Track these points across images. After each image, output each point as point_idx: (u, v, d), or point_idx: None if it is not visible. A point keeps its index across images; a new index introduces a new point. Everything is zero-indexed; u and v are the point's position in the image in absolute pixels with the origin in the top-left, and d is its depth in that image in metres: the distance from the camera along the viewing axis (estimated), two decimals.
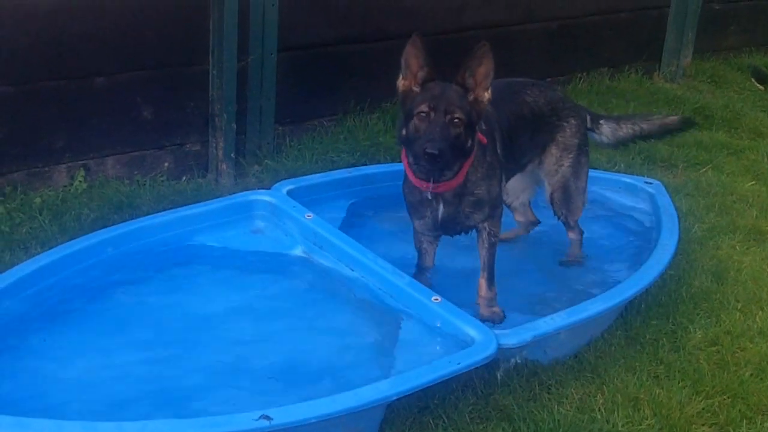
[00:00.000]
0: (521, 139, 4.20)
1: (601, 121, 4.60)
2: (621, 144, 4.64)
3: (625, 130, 4.64)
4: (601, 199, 4.99)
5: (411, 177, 3.77)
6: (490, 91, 3.66)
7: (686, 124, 4.90)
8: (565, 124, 4.37)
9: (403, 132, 3.67)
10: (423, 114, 3.59)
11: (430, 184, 3.71)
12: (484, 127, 3.85)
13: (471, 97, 3.64)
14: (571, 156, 4.38)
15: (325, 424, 3.10)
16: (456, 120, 3.58)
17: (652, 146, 6.13)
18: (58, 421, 2.95)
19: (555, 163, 4.36)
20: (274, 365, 3.64)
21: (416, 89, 3.66)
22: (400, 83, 3.70)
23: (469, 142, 3.66)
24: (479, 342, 3.53)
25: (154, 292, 4.04)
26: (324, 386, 3.49)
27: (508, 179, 4.22)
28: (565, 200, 4.40)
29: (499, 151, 3.97)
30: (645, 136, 4.71)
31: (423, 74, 3.66)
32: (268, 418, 2.96)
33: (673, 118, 4.86)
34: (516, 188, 4.51)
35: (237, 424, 2.98)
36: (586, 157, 4.48)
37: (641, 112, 4.82)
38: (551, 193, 4.40)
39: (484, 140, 3.80)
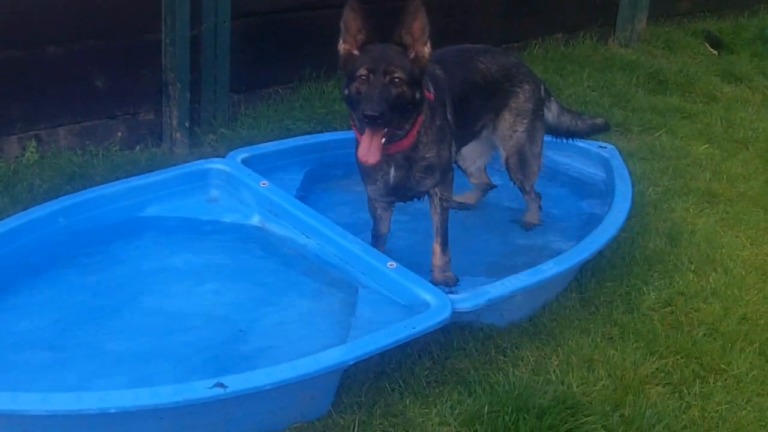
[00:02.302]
0: (473, 105, 4.21)
1: (552, 98, 4.64)
2: (557, 128, 4.65)
3: (567, 118, 4.69)
4: (556, 164, 5.01)
5: (359, 138, 3.75)
6: (429, 44, 3.65)
7: (608, 127, 4.97)
8: (518, 89, 4.38)
9: (346, 93, 3.67)
10: (363, 77, 3.59)
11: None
12: (432, 90, 3.85)
13: (411, 55, 3.63)
14: (525, 121, 4.39)
15: (282, 390, 3.10)
16: (396, 79, 3.58)
17: (607, 111, 6.21)
18: (12, 393, 2.92)
19: (509, 128, 4.37)
20: (227, 332, 3.64)
21: (356, 52, 3.66)
22: (341, 47, 3.69)
23: (416, 98, 3.67)
24: (434, 306, 3.54)
25: (105, 262, 4.00)
26: (279, 353, 3.49)
27: (461, 146, 4.23)
28: (521, 165, 4.42)
29: (449, 117, 3.97)
30: (574, 133, 4.75)
31: (362, 37, 3.65)
32: (222, 385, 2.95)
33: (601, 120, 4.94)
34: (472, 153, 4.52)
35: (192, 392, 2.97)
36: (541, 122, 4.49)
37: (576, 112, 4.89)
38: (506, 159, 4.42)
39: (431, 96, 3.80)
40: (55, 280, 3.86)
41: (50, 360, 3.43)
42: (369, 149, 3.60)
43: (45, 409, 2.85)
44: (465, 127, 4.17)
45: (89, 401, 2.90)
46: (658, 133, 6.05)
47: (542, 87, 4.54)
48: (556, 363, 3.70)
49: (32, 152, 4.79)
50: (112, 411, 2.86)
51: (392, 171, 3.85)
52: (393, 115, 3.58)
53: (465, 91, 4.13)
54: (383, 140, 3.61)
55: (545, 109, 4.54)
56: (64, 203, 4.08)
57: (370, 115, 3.51)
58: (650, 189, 5.18)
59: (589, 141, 4.98)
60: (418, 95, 3.66)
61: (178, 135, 5.18)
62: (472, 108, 4.20)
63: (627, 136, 5.98)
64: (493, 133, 4.40)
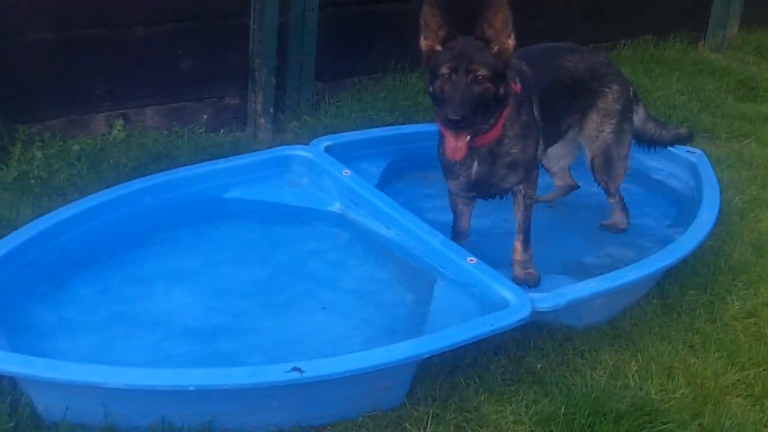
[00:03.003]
0: (560, 104, 4.14)
1: (640, 103, 4.54)
2: (641, 135, 4.55)
3: (652, 125, 4.60)
4: (643, 167, 4.91)
5: (444, 133, 3.71)
6: (513, 37, 3.59)
7: (692, 137, 4.85)
8: (606, 90, 4.30)
9: (430, 90, 3.64)
10: (445, 75, 3.55)
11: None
12: (520, 85, 3.80)
13: (494, 48, 3.58)
14: (612, 122, 4.31)
15: (357, 378, 3.10)
16: (480, 77, 3.53)
17: (695, 116, 6.08)
18: (91, 365, 2.97)
19: (595, 129, 4.30)
20: (307, 320, 3.65)
21: (438, 48, 3.61)
22: (422, 43, 3.65)
23: (501, 92, 3.61)
24: (513, 304, 3.50)
25: (189, 242, 4.06)
26: (356, 342, 3.49)
27: (547, 146, 4.16)
28: (606, 167, 4.34)
29: (536, 113, 3.92)
30: (657, 142, 4.65)
31: (443, 33, 3.60)
32: (299, 370, 2.96)
33: (685, 130, 4.83)
34: (557, 153, 4.46)
35: (269, 374, 3.00)
36: (629, 124, 4.40)
37: (661, 121, 4.79)
38: (592, 159, 4.35)
39: (517, 88, 3.75)
40: (138, 257, 3.91)
41: (127, 333, 3.49)
42: (456, 145, 3.57)
43: (123, 383, 2.89)
44: (551, 127, 4.10)
45: (167, 377, 2.94)
46: (747, 140, 5.89)
47: (631, 88, 4.45)
48: (634, 368, 3.63)
49: (119, 130, 4.87)
50: (191, 388, 2.89)
51: (475, 165, 3.81)
52: (476, 114, 3.54)
53: (552, 89, 4.07)
54: (468, 138, 3.58)
55: (633, 113, 4.46)
56: (149, 182, 4.14)
57: (452, 119, 3.48)
58: (737, 197, 5.05)
59: (678, 146, 4.86)
60: (502, 90, 3.62)
61: (262, 120, 5.22)
62: (558, 107, 4.14)
63: (715, 142, 5.84)
64: (579, 134, 4.33)
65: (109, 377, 2.90)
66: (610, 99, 4.31)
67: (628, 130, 4.40)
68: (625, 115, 4.36)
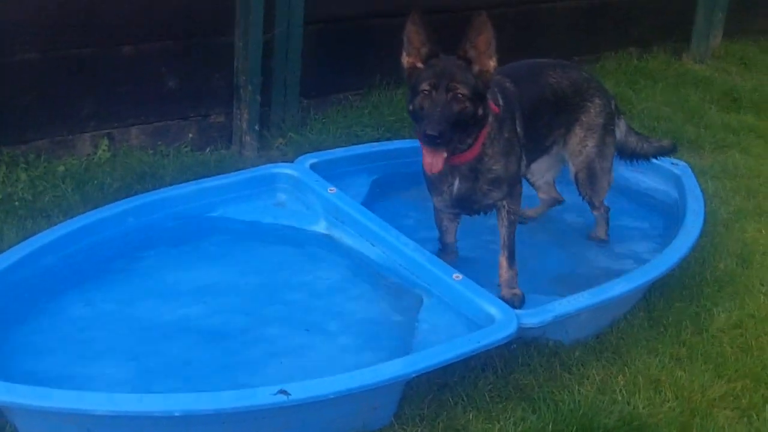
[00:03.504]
0: (544, 119, 4.16)
1: (621, 117, 4.56)
2: (622, 149, 4.56)
3: (634, 139, 4.61)
4: (627, 179, 4.93)
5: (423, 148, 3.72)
6: (495, 58, 3.60)
7: (675, 149, 4.85)
8: (589, 104, 4.32)
9: (411, 108, 3.65)
10: (425, 92, 3.57)
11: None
12: (501, 102, 3.81)
13: (476, 69, 3.59)
14: (595, 136, 4.33)
15: (344, 400, 3.10)
16: (459, 95, 3.54)
17: (679, 127, 6.10)
18: (78, 391, 2.97)
19: (579, 143, 4.31)
20: (292, 338, 3.65)
21: (420, 65, 3.63)
22: (405, 60, 3.67)
23: (479, 113, 3.62)
24: (500, 321, 3.51)
25: (174, 263, 4.04)
26: (342, 363, 3.48)
27: (531, 162, 4.18)
28: (590, 180, 4.36)
29: (519, 130, 3.93)
30: (639, 156, 4.66)
31: (426, 50, 3.62)
32: (286, 393, 2.95)
33: (667, 142, 4.84)
34: (541, 167, 4.47)
35: (255, 398, 2.98)
36: (612, 137, 4.42)
37: (643, 134, 4.81)
38: (576, 174, 4.36)
39: (496, 110, 3.77)
40: (122, 279, 3.89)
41: (110, 354, 3.48)
42: (432, 159, 3.58)
43: (110, 410, 2.88)
44: (535, 143, 4.12)
45: (153, 403, 2.93)
46: (732, 151, 5.91)
47: (613, 102, 4.47)
48: (622, 382, 3.64)
49: (104, 150, 4.86)
50: (176, 414, 2.88)
51: (457, 182, 3.82)
52: (454, 132, 3.56)
53: (535, 106, 4.09)
54: (445, 154, 3.59)
55: (615, 126, 4.47)
56: (134, 203, 4.13)
57: (430, 135, 3.50)
58: (722, 208, 5.07)
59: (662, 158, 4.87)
60: (481, 111, 3.63)
61: (248, 138, 5.22)
62: (542, 123, 4.15)
63: (699, 153, 5.86)
64: (563, 148, 4.35)
65: (95, 404, 2.89)
66: (593, 113, 4.33)
67: (611, 143, 4.42)
68: (608, 128, 4.38)
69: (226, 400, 2.97)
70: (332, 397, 3.04)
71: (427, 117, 3.52)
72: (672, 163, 4.93)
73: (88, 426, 2.93)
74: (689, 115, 6.37)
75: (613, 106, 4.44)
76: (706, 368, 3.78)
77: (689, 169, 4.92)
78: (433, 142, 3.51)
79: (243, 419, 3.02)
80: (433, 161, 3.57)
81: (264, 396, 2.95)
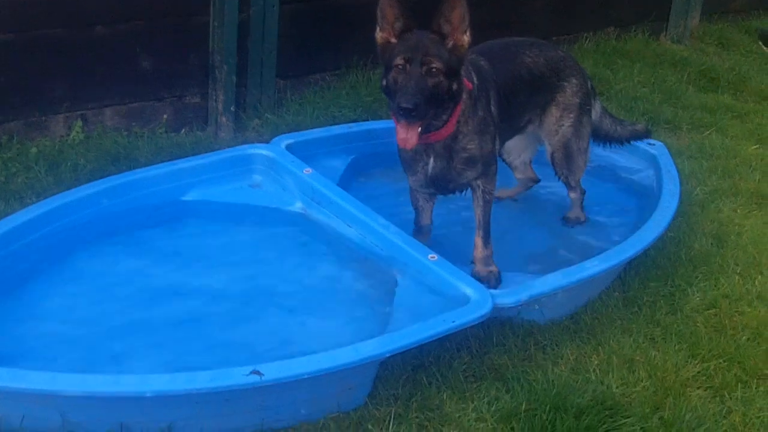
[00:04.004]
0: (519, 99, 4.15)
1: (597, 98, 4.56)
2: (596, 131, 4.55)
3: (608, 121, 4.62)
4: (602, 159, 4.93)
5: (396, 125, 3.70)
6: (469, 33, 3.58)
7: (649, 133, 4.87)
8: (565, 83, 4.32)
9: (384, 83, 3.63)
10: (399, 66, 3.55)
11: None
12: (475, 80, 3.80)
13: (450, 44, 3.58)
14: (572, 116, 4.33)
15: (318, 380, 3.09)
16: (433, 69, 3.53)
17: (657, 107, 6.12)
18: (51, 373, 2.94)
19: (555, 123, 4.31)
20: (267, 318, 3.64)
21: (393, 41, 3.61)
22: (378, 35, 3.65)
23: (454, 88, 3.61)
24: (474, 300, 3.51)
25: (149, 245, 4.02)
26: (317, 343, 3.46)
27: (505, 140, 4.18)
28: (566, 160, 4.36)
29: (493, 109, 3.92)
30: (613, 139, 4.67)
31: (399, 25, 3.60)
32: (259, 373, 2.95)
33: (642, 126, 4.85)
34: (517, 147, 4.47)
35: (228, 378, 2.97)
36: (588, 117, 4.42)
37: (617, 117, 4.82)
38: (552, 153, 4.36)
39: (470, 85, 3.76)
40: (95, 261, 3.87)
41: (84, 339, 3.46)
42: (406, 134, 3.56)
43: (83, 391, 2.86)
44: (510, 122, 4.11)
45: (127, 384, 2.92)
46: (708, 131, 5.93)
47: (590, 82, 4.47)
48: (596, 362, 3.65)
49: (78, 132, 4.82)
50: (149, 395, 2.87)
51: (432, 161, 3.81)
52: (429, 106, 3.54)
53: (510, 84, 4.08)
54: (419, 129, 3.57)
55: (591, 106, 4.47)
56: (107, 184, 4.10)
57: (404, 108, 3.48)
58: (698, 188, 5.09)
59: None
60: (455, 86, 3.62)
61: (224, 119, 5.18)
62: (517, 102, 4.14)
63: (676, 133, 5.88)
64: (538, 128, 4.34)
65: (67, 384, 2.87)
66: (569, 93, 4.32)
67: (587, 123, 4.42)
68: (584, 108, 4.38)
69: (200, 380, 2.95)
70: (306, 377, 3.03)
71: (401, 90, 3.50)
72: (648, 143, 4.93)
73: (63, 409, 2.92)
74: (667, 96, 6.39)
75: (589, 86, 4.44)
76: (680, 348, 3.80)
77: (666, 149, 4.93)
78: (407, 115, 3.49)
79: (217, 400, 3.01)
80: (408, 136, 3.55)
81: (237, 376, 2.95)
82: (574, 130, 4.33)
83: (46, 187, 4.32)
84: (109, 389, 2.88)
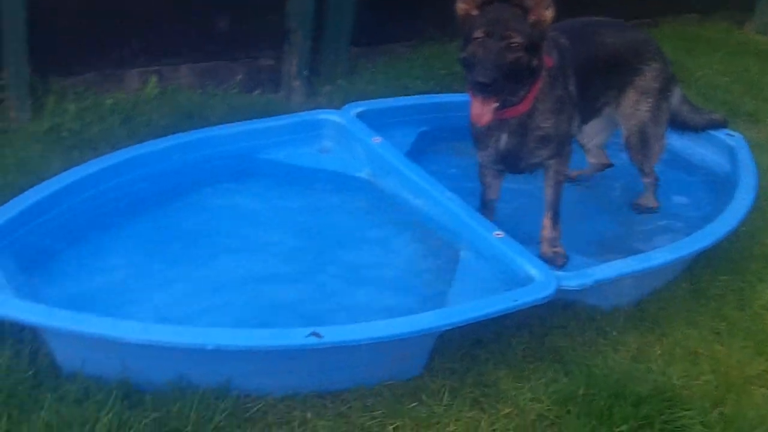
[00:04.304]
0: (597, 79, 4.07)
1: (677, 84, 4.46)
2: (673, 118, 4.45)
3: (686, 108, 4.52)
4: (679, 148, 4.82)
5: (472, 99, 3.65)
6: (552, 9, 3.50)
7: (725, 123, 4.78)
8: (645, 67, 4.22)
9: (463, 55, 3.57)
10: (479, 39, 3.48)
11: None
12: (555, 59, 3.73)
13: (531, 19, 3.50)
14: (650, 100, 4.24)
15: (375, 347, 3.09)
16: (513, 44, 3.46)
17: (737, 98, 5.97)
18: (115, 319, 2.98)
19: (632, 106, 4.22)
20: (328, 285, 3.64)
21: (474, 13, 3.54)
22: (459, 6, 3.58)
23: (533, 64, 3.54)
24: (538, 281, 3.46)
25: (216, 201, 4.05)
26: (377, 310, 3.46)
27: (583, 122, 4.09)
28: (642, 145, 4.27)
29: (571, 88, 3.84)
30: (689, 126, 4.58)
31: None
32: (318, 335, 2.94)
33: (718, 116, 4.75)
34: (591, 129, 4.38)
35: (288, 338, 2.99)
36: (667, 103, 4.33)
37: (696, 105, 4.69)
38: (627, 137, 4.28)
39: (550, 62, 3.69)
40: (162, 215, 3.92)
41: (148, 291, 3.50)
42: (481, 109, 3.50)
43: (147, 339, 2.89)
44: (587, 103, 4.03)
45: (189, 335, 2.94)
46: None
47: (671, 68, 4.36)
48: (658, 352, 3.58)
49: (153, 87, 4.86)
50: (209, 348, 2.89)
51: (504, 137, 3.75)
52: (506, 82, 3.48)
53: (589, 64, 3.99)
54: (495, 104, 3.51)
55: (671, 93, 4.37)
56: (180, 140, 4.13)
57: (481, 82, 3.42)
58: None
59: None
60: (535, 62, 3.55)
61: (296, 83, 5.19)
62: (595, 83, 4.06)
63: (757, 126, 5.71)
64: (615, 111, 4.25)
65: (127, 332, 2.90)
66: (649, 77, 4.23)
67: (666, 109, 4.32)
68: (663, 93, 4.28)
69: (260, 337, 2.98)
70: (364, 343, 3.03)
71: (480, 64, 3.44)
72: (727, 134, 4.80)
73: (124, 355, 2.95)
74: (748, 87, 6.22)
75: (670, 72, 4.34)
76: (746, 345, 3.71)
77: (744, 141, 4.79)
78: (484, 89, 3.44)
79: (274, 358, 3.03)
80: (482, 112, 3.50)
81: (296, 337, 2.95)
82: (652, 115, 4.24)
83: (120, 139, 4.36)
84: (172, 339, 2.90)
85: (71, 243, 3.62)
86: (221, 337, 2.94)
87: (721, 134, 4.78)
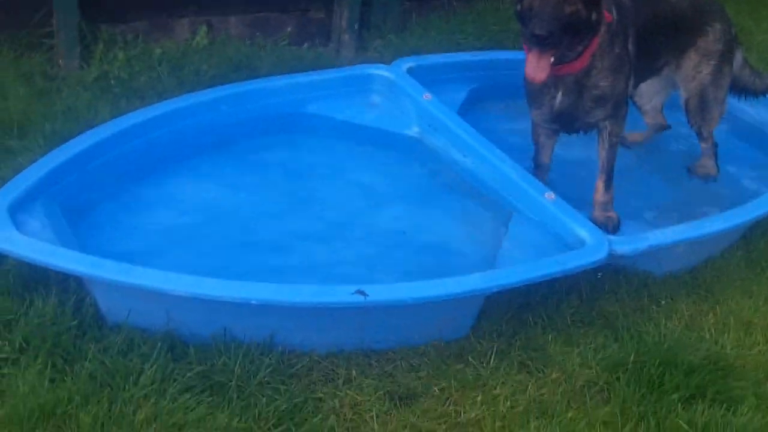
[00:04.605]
0: (658, 39, 3.94)
1: (739, 47, 4.31)
2: (735, 81, 4.30)
3: (747, 72, 4.37)
4: (740, 112, 4.66)
5: (527, 55, 3.54)
6: None
7: None
8: (708, 28, 4.09)
9: (519, 8, 3.46)
10: None
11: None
12: (615, 15, 3.61)
13: None
14: (712, 63, 4.11)
15: (422, 307, 3.04)
16: None
17: None
18: (161, 271, 2.95)
19: (693, 68, 4.10)
20: (375, 241, 3.60)
21: None
22: None
23: (593, 18, 3.43)
24: (590, 245, 3.39)
25: (262, 155, 4.02)
26: (423, 270, 3.41)
27: (639, 82, 3.98)
28: (701, 109, 4.14)
29: (630, 47, 3.73)
30: (749, 91, 4.41)
31: None
32: (363, 293, 2.90)
33: None
34: (650, 90, 4.27)
35: (333, 295, 2.96)
36: (729, 66, 4.19)
37: (757, 69, 4.51)
38: (686, 100, 4.15)
39: (609, 18, 3.57)
40: (208, 166, 3.89)
41: (193, 243, 3.48)
42: (537, 65, 3.40)
43: (192, 292, 2.87)
44: (646, 62, 3.91)
45: (234, 289, 2.90)
46: None
47: (734, 30, 4.21)
48: (712, 321, 3.50)
49: (202, 37, 4.81)
50: (254, 302, 2.86)
51: (560, 95, 3.65)
52: (564, 35, 3.37)
53: (650, 23, 3.87)
54: (552, 59, 3.40)
55: (733, 56, 4.22)
56: (228, 91, 4.09)
57: (538, 35, 3.32)
58: None
59: None
60: (594, 16, 3.43)
61: (346, 37, 5.10)
62: (656, 43, 3.93)
63: None
64: (675, 72, 4.13)
65: (175, 284, 2.88)
66: (711, 38, 4.10)
67: (728, 73, 4.19)
68: (726, 56, 4.15)
69: (305, 294, 2.95)
70: (409, 302, 2.99)
71: (536, 16, 3.34)
72: None
73: (169, 307, 2.93)
74: None
75: (733, 34, 4.19)
76: None
77: None
78: (540, 42, 3.34)
79: (319, 315, 3.00)
80: (538, 68, 3.39)
81: (341, 294, 2.92)
82: (713, 78, 4.11)
83: (168, 88, 4.33)
84: (217, 293, 2.87)
85: (116, 193, 3.61)
86: (266, 293, 2.91)
87: None
